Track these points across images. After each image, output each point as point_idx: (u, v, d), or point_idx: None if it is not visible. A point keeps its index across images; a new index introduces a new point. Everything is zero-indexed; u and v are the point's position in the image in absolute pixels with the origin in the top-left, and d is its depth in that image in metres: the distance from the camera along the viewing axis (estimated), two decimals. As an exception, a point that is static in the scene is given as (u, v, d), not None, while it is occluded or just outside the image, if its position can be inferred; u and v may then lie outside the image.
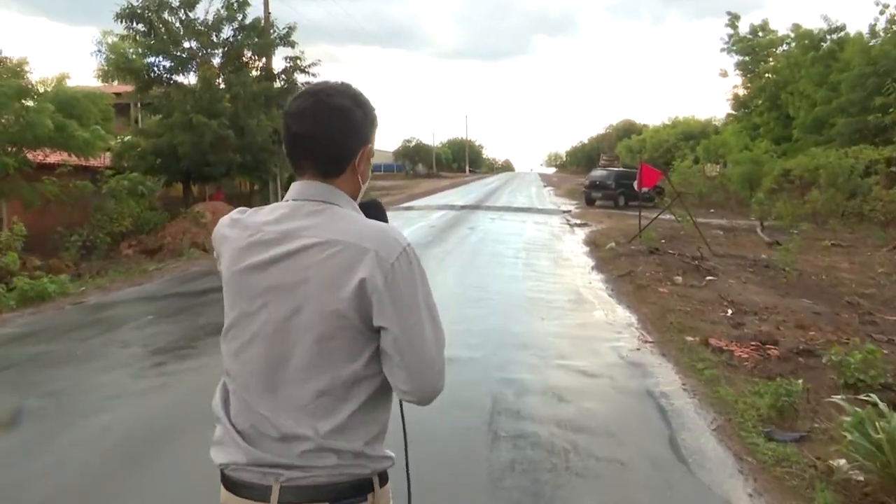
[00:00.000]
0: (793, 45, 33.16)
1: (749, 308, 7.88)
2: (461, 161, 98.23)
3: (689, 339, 6.25)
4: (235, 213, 1.45)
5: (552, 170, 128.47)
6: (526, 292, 8.78)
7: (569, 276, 10.20)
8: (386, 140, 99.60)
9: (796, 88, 29.65)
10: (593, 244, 13.73)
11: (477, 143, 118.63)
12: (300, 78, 22.93)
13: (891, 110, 22.07)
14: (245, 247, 1.35)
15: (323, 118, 1.35)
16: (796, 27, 31.47)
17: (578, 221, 19.64)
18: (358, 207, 1.42)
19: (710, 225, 17.08)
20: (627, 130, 67.78)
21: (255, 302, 1.33)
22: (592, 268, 10.97)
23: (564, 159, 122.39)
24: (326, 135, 1.35)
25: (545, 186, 48.78)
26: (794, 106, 29.49)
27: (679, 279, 9.03)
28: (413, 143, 79.46)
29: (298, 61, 22.56)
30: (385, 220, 1.44)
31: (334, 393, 1.30)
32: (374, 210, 1.47)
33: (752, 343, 6.16)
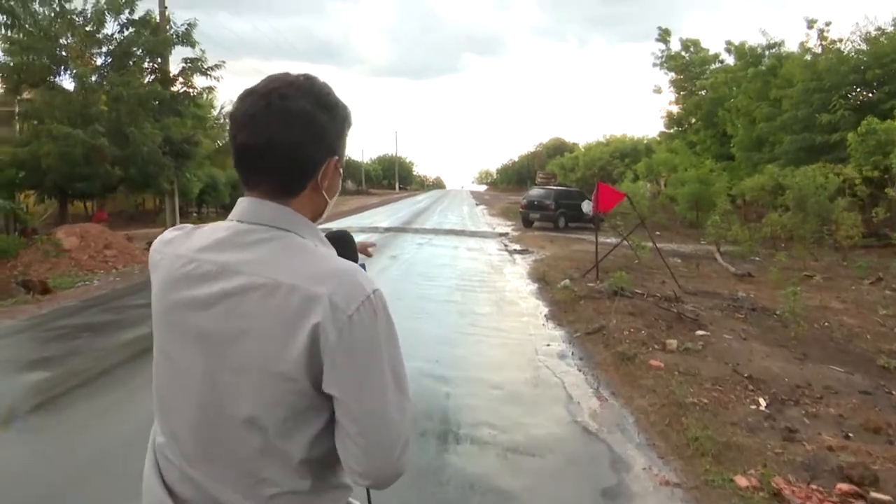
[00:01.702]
0: (725, 61, 32.13)
1: (778, 388, 5.41)
2: (391, 178, 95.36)
3: (741, 482, 3.62)
4: (172, 231, 1.20)
5: (483, 187, 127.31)
6: (458, 368, 6.02)
7: (518, 333, 7.49)
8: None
9: (733, 105, 28.33)
10: (542, 280, 11.10)
11: (408, 160, 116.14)
12: (200, 81, 19.83)
13: (838, 128, 20.69)
14: (177, 279, 1.11)
15: (275, 126, 1.07)
16: (730, 43, 30.28)
17: (518, 247, 17.07)
18: (322, 236, 1.18)
19: (662, 251, 14.82)
20: (558, 149, 66.68)
21: (187, 350, 1.09)
22: (547, 318, 8.31)
23: (495, 177, 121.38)
24: (281, 146, 1.08)
25: (478, 205, 46.38)
26: (731, 123, 28.14)
27: (673, 343, 6.45)
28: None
29: (200, 63, 19.41)
30: (353, 257, 1.28)
31: (278, 468, 1.06)
32: (339, 244, 1.25)
33: (843, 488, 3.60)
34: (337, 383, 1.02)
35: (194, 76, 19.61)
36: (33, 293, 9.47)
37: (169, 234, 1.21)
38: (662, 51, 34.16)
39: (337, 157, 1.15)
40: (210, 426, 1.08)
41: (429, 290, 9.88)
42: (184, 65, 19.33)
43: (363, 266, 1.23)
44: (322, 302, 1.00)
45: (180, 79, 19.56)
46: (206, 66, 19.48)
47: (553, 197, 23.40)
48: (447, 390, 5.29)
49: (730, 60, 31.53)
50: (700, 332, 7.40)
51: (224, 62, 19.92)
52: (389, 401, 1.05)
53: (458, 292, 9.89)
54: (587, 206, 14.80)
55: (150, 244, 1.27)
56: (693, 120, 33.61)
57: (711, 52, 33.71)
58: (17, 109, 18.44)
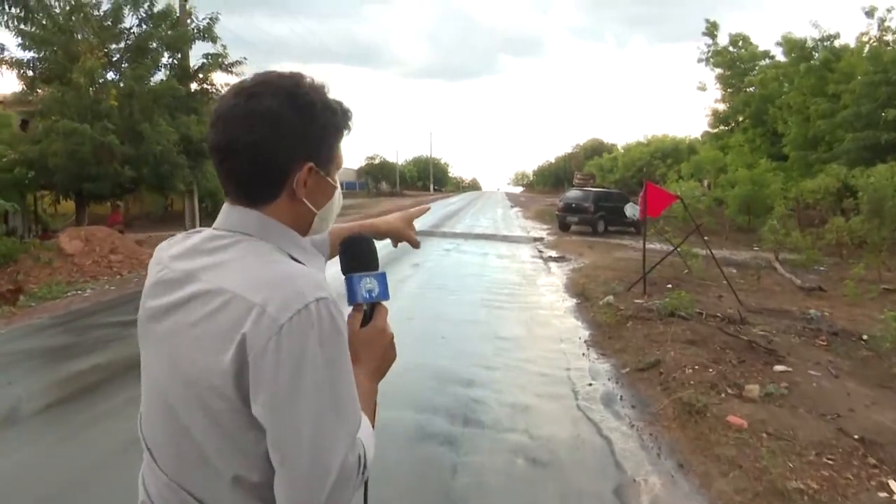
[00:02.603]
0: (776, 57, 30.12)
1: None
2: (426, 179, 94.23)
3: None
4: (177, 236, 1.16)
5: (519, 189, 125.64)
6: (472, 422, 4.63)
7: (552, 367, 6.06)
8: (349, 158, 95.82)
9: (785, 102, 26.36)
10: (581, 295, 9.64)
11: (443, 162, 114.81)
12: (220, 78, 18.86)
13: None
14: (151, 286, 1.09)
15: (238, 126, 1.00)
16: (785, 36, 28.25)
17: (554, 253, 15.56)
18: (298, 241, 1.07)
19: (711, 257, 13.17)
20: (596, 149, 64.77)
21: (150, 360, 1.07)
22: (588, 345, 6.87)
23: (532, 178, 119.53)
24: (242, 148, 1.00)
25: (512, 207, 44.78)
26: (782, 121, 26.17)
27: (753, 389, 4.96)
28: (377, 161, 75.63)
29: (220, 59, 18.44)
30: (366, 265, 1.15)
31: (228, 490, 0.98)
32: (353, 251, 1.17)
33: None
34: (259, 401, 0.91)
35: (214, 72, 18.68)
36: (3, 304, 8.41)
37: (168, 239, 1.15)
38: (709, 45, 32.32)
39: (312, 164, 1.04)
40: (169, 437, 1.02)
41: (448, 308, 8.49)
42: (203, 61, 18.40)
43: (383, 275, 1.13)
44: (254, 311, 0.91)
45: (199, 75, 18.66)
46: (226, 63, 18.54)
47: (592, 199, 21.76)
48: (453, 459, 3.90)
49: (781, 56, 29.61)
50: (780, 368, 5.91)
51: (245, 59, 18.92)
52: (318, 426, 0.91)
53: (483, 310, 8.48)
54: (631, 210, 13.32)
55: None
56: (741, 118, 31.66)
57: (761, 49, 31.81)
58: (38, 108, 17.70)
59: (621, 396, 5.17)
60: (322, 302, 0.93)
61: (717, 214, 23.34)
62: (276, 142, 1.00)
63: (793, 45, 27.34)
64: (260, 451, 0.95)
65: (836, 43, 26.12)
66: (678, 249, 11.41)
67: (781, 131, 26.35)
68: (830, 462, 3.87)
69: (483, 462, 3.88)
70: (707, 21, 32.15)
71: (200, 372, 0.95)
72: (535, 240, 19.47)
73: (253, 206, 1.04)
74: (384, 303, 1.15)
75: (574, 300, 9.39)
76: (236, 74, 18.60)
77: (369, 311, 1.14)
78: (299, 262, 1.04)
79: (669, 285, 10.92)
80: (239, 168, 1.02)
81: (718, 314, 8.23)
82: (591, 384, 5.48)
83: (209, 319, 0.95)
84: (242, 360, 0.91)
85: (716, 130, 34.02)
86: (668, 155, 37.46)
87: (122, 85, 15.96)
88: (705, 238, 19.58)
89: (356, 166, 72.93)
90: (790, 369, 5.92)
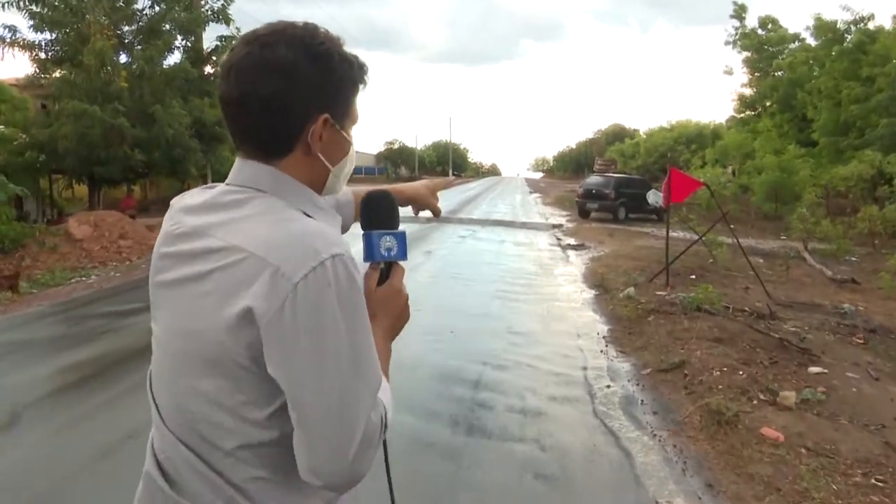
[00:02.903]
0: (806, 39, 29.10)
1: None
2: (445, 164, 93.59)
3: None
4: (185, 194, 1.11)
5: (539, 174, 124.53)
6: (475, 430, 4.22)
7: (567, 365, 5.61)
8: (368, 142, 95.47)
9: (815, 87, 25.44)
10: (600, 286, 9.16)
11: (462, 147, 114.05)
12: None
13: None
14: (163, 238, 1.05)
15: (252, 77, 0.95)
16: (817, 17, 27.25)
17: (573, 241, 15.06)
18: (317, 201, 1.03)
19: (735, 245, 12.60)
20: (618, 135, 63.76)
21: (159, 315, 1.04)
22: (607, 341, 6.42)
23: (552, 164, 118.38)
24: (255, 99, 0.95)
25: (531, 193, 44.16)
26: (812, 106, 25.28)
27: (789, 397, 4.49)
28: (396, 146, 75.24)
29: (234, 41, 18.00)
30: (386, 222, 1.12)
31: (234, 455, 0.95)
32: (373, 207, 1.14)
33: None
34: (275, 363, 0.88)
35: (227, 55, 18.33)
36: (1, 290, 8.15)
37: (182, 194, 1.11)
38: (737, 28, 31.36)
39: (328, 115, 1.00)
40: (175, 394, 1.00)
41: (460, 300, 8.07)
42: (217, 43, 18.05)
43: (403, 234, 1.11)
44: (267, 269, 0.87)
45: (213, 58, 18.34)
46: (239, 45, 18.14)
47: (613, 185, 21.15)
48: (454, 474, 3.51)
49: (811, 40, 28.60)
50: (815, 370, 5.44)
51: (259, 40, 18.47)
52: (339, 385, 0.88)
53: (497, 301, 8.06)
54: (654, 197, 12.80)
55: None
56: (768, 103, 30.72)
57: (790, 32, 30.77)
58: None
59: (642, 401, 4.73)
60: (338, 258, 0.89)
61: (742, 202, 22.62)
62: (292, 92, 0.96)
63: (824, 28, 26.38)
64: (267, 412, 0.93)
65: (870, 25, 25.16)
66: (703, 239, 10.86)
67: (811, 117, 25.47)
68: (880, 484, 3.42)
69: (487, 478, 3.47)
70: (735, 3, 31.15)
71: (208, 328, 0.92)
72: (554, 227, 18.96)
73: (266, 161, 1.00)
74: (402, 263, 1.12)
75: (593, 291, 8.93)
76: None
77: (386, 271, 1.11)
78: (314, 220, 0.98)
79: (693, 276, 10.42)
80: (252, 121, 0.98)
81: (746, 308, 7.74)
82: (609, 386, 5.05)
83: (219, 276, 0.92)
84: (253, 319, 0.87)
85: (742, 115, 33.11)
86: (693, 141, 36.62)
87: (133, 67, 15.63)
88: (731, 226, 19.02)
89: (375, 151, 72.62)
90: (826, 371, 5.45)
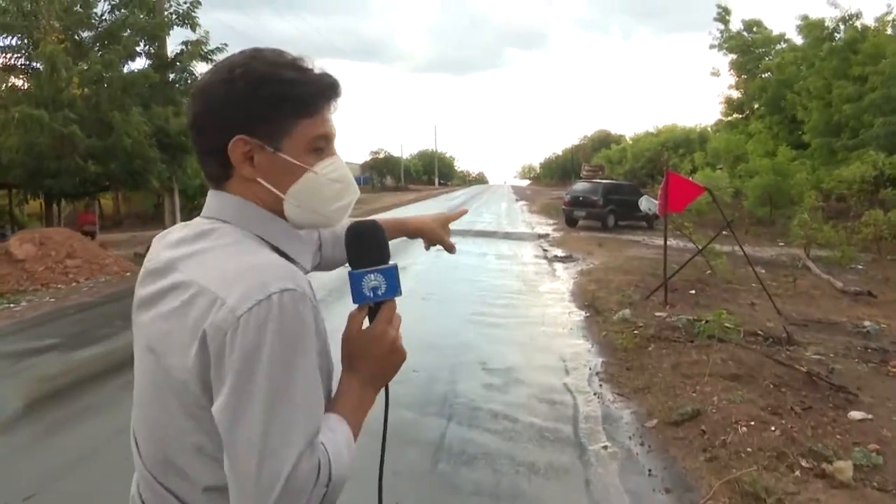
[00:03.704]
0: (792, 40, 28.38)
1: None
2: (431, 173, 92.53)
3: None
4: (170, 228, 1.10)
5: (526, 182, 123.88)
6: None
7: (553, 416, 4.51)
8: (354, 152, 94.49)
9: (804, 87, 24.61)
10: (591, 306, 8.06)
11: (448, 155, 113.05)
12: (200, 67, 17.36)
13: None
14: (141, 275, 1.04)
15: (191, 106, 1.00)
16: (804, 17, 26.48)
17: (560, 252, 13.98)
18: (283, 228, 1.00)
19: (734, 255, 11.58)
20: (603, 141, 63.07)
21: (137, 352, 1.02)
22: (601, 379, 5.31)
23: (538, 171, 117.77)
24: (190, 124, 1.00)
25: (518, 201, 43.09)
26: (802, 107, 24.44)
27: (845, 469, 3.39)
28: (381, 155, 74.18)
29: (200, 46, 16.93)
30: (372, 257, 1.01)
31: (207, 496, 0.92)
32: (355, 242, 1.03)
33: None
34: (215, 398, 0.85)
35: (193, 61, 17.18)
36: None
37: (169, 228, 1.09)
38: (721, 30, 30.62)
39: (244, 136, 0.94)
40: (149, 430, 0.98)
41: (431, 326, 6.94)
42: (182, 48, 16.88)
43: (394, 267, 1.01)
44: (216, 302, 0.86)
45: (177, 63, 17.19)
46: (207, 50, 17.03)
47: (601, 192, 20.10)
48: None
49: (798, 40, 27.87)
50: (857, 415, 4.39)
51: (226, 45, 17.40)
52: (268, 428, 0.82)
53: (473, 328, 6.94)
54: (646, 203, 11.74)
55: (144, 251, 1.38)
56: (756, 105, 29.92)
57: (776, 33, 30.08)
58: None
59: (650, 470, 3.63)
60: (288, 293, 0.85)
61: (733, 206, 21.69)
62: (208, 115, 0.95)
63: (812, 27, 25.61)
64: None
65: (857, 24, 24.42)
66: (702, 250, 9.83)
67: (801, 118, 24.64)
68: None
69: None
70: (719, 6, 30.43)
71: (172, 367, 0.89)
72: (540, 237, 17.86)
73: (217, 188, 0.99)
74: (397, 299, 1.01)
75: (582, 313, 7.83)
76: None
77: (375, 311, 1.01)
78: (283, 253, 0.97)
79: (693, 291, 9.38)
80: (195, 145, 1.00)
81: (759, 331, 6.70)
82: (606, 447, 3.95)
83: (179, 313, 0.89)
84: (206, 356, 0.85)
85: (730, 118, 32.33)
86: (680, 145, 35.76)
87: (89, 72, 14.45)
88: (729, 234, 18.05)
89: (360, 161, 71.59)
90: (871, 417, 4.39)
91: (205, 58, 16.98)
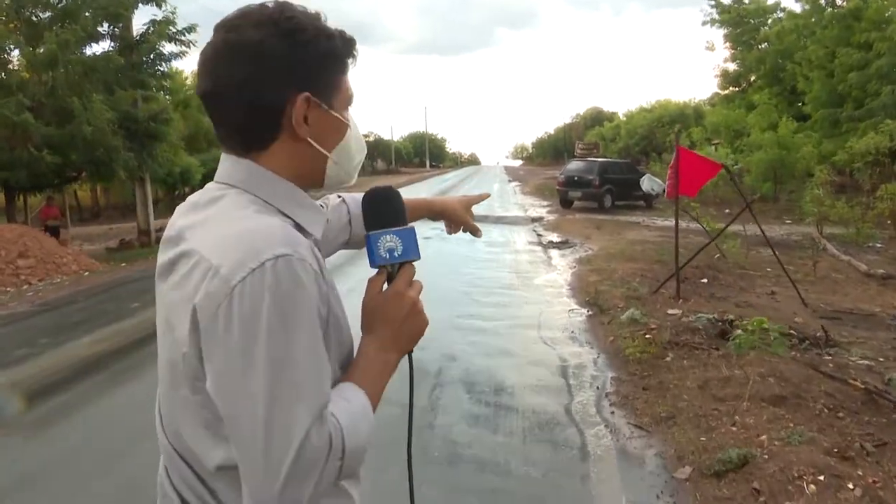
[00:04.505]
0: (787, 8, 27.28)
1: None
2: (423, 156, 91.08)
3: None
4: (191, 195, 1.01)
5: (518, 162, 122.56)
6: None
7: (565, 470, 3.54)
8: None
9: (805, 57, 23.51)
10: (594, 303, 7.03)
11: (439, 137, 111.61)
12: (168, 48, 16.18)
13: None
14: (160, 247, 0.96)
15: (221, 65, 0.89)
16: None
17: (555, 237, 12.94)
18: (291, 193, 0.93)
19: (746, 236, 10.57)
20: (596, 118, 61.87)
21: (159, 327, 0.94)
22: (613, 402, 4.28)
23: (531, 151, 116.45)
24: (227, 90, 0.88)
25: (510, 182, 41.95)
26: (803, 77, 23.37)
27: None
28: (372, 138, 72.87)
29: (169, 27, 15.72)
30: (388, 220, 0.96)
31: (220, 475, 0.87)
32: (371, 205, 1.00)
33: None
34: (208, 372, 0.80)
35: (161, 41, 15.96)
36: None
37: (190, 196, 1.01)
38: (712, 5, 29.43)
39: (308, 94, 0.89)
40: (168, 401, 0.93)
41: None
42: (147, 27, 15.64)
43: (412, 229, 0.97)
44: (210, 271, 0.80)
45: (143, 44, 15.97)
46: (174, 30, 15.82)
47: (597, 171, 18.99)
48: None
49: (795, 8, 26.75)
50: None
51: (197, 25, 16.20)
52: (270, 402, 0.77)
53: (458, 335, 5.87)
54: (649, 183, 10.76)
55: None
56: (753, 77, 28.81)
57: (771, 1, 28.92)
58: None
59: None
60: (283, 259, 0.79)
61: (732, 183, 20.66)
62: (263, 75, 0.87)
63: (813, -7, 24.46)
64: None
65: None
66: (718, 235, 8.82)
67: (802, 89, 23.58)
68: None
69: None
70: None
71: (178, 340, 0.84)
72: (534, 220, 16.80)
73: (246, 154, 0.92)
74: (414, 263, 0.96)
75: (584, 311, 6.81)
76: (186, 44, 16.02)
77: (394, 274, 0.96)
78: (292, 220, 0.90)
79: (704, 279, 8.38)
80: (228, 112, 0.90)
81: (791, 329, 5.70)
82: (629, 513, 2.96)
83: (181, 283, 0.85)
84: (195, 325, 0.80)
85: (726, 92, 31.22)
86: (675, 120, 34.63)
87: (40, 52, 13.24)
88: (726, 210, 17.02)
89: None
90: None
91: (172, 38, 15.83)
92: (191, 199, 0.96)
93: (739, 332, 4.16)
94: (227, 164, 0.93)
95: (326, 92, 0.92)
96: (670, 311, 6.28)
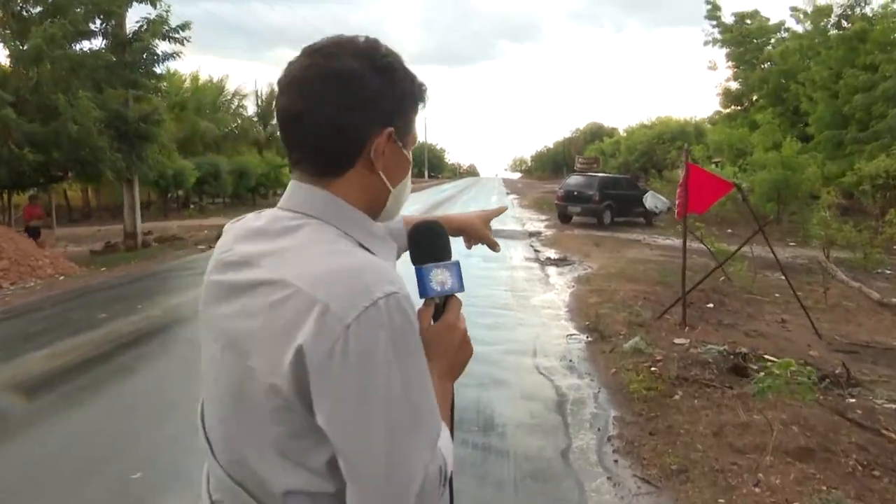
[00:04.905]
0: (791, 28, 27.02)
1: None
2: (421, 166, 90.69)
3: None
4: (239, 219, 1.03)
5: (517, 175, 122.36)
6: None
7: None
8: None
9: (808, 77, 23.20)
10: (594, 329, 6.52)
11: (439, 147, 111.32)
12: (163, 47, 15.77)
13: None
14: (213, 267, 0.97)
15: (315, 89, 0.89)
16: (795, 10, 25.11)
17: (553, 254, 12.44)
18: (366, 225, 0.94)
19: (752, 258, 10.05)
20: (596, 133, 61.61)
21: (211, 345, 0.94)
22: (617, 448, 3.75)
23: (530, 164, 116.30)
24: (319, 112, 0.89)
25: (508, 194, 41.49)
26: (806, 98, 23.04)
27: None
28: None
29: (161, 24, 15.31)
30: (438, 254, 1.00)
31: (287, 501, 0.85)
32: (422, 239, 1.03)
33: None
34: (323, 412, 0.78)
35: (155, 40, 15.54)
36: None
37: (236, 219, 1.03)
38: (714, 25, 29.18)
39: (392, 130, 0.92)
40: (225, 428, 0.92)
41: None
42: (140, 24, 15.20)
43: (457, 264, 1.00)
44: (316, 306, 0.78)
45: (135, 43, 15.54)
46: (168, 28, 15.41)
47: (597, 186, 18.51)
48: None
49: (797, 28, 26.49)
50: None
51: (190, 23, 15.81)
52: (395, 439, 0.78)
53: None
54: (653, 201, 10.30)
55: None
56: (755, 97, 28.49)
57: (772, 22, 28.68)
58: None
59: None
60: (392, 297, 0.79)
61: (735, 202, 20.24)
62: (357, 104, 0.89)
63: (819, 13, 24.19)
64: (321, 460, 0.82)
65: (868, 9, 23.02)
66: (729, 258, 8.35)
67: (805, 109, 23.23)
68: None
69: None
70: (707, 2, 28.96)
71: (260, 367, 0.82)
72: (531, 235, 16.31)
73: (321, 180, 0.92)
74: (459, 295, 0.99)
75: (584, 337, 6.31)
76: (180, 41, 15.62)
77: (441, 305, 0.98)
78: (368, 251, 0.91)
79: (710, 304, 7.91)
80: (315, 135, 0.90)
81: (807, 363, 5.22)
82: None
83: (269, 313, 0.82)
84: (302, 362, 0.77)
85: (728, 110, 30.91)
86: (676, 137, 34.28)
87: (24, 48, 12.79)
88: (728, 230, 16.58)
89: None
90: None
91: (166, 36, 15.42)
92: (252, 224, 0.96)
93: (762, 374, 3.67)
94: (301, 192, 0.92)
95: (403, 130, 0.95)
96: (677, 341, 5.80)
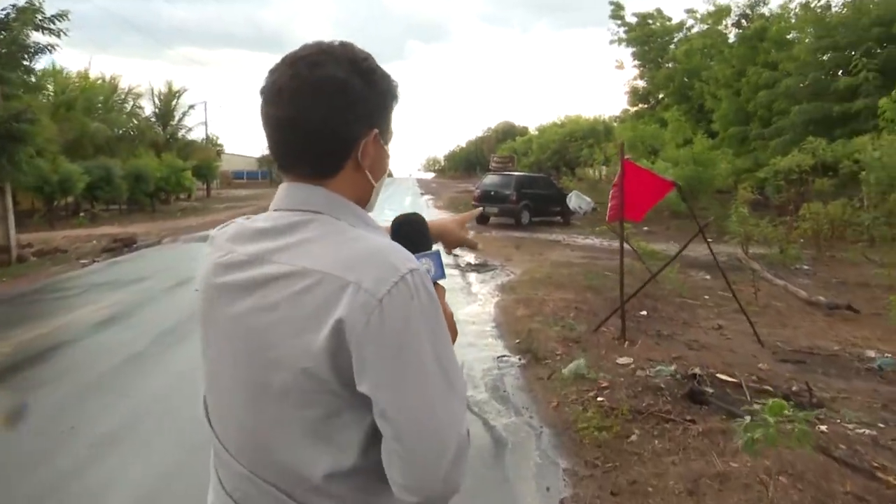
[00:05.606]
0: (693, 29, 27.67)
1: None
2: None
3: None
4: (234, 221, 1.06)
5: (431, 175, 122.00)
6: None
7: None
8: (250, 147, 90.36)
9: (711, 75, 23.73)
10: (526, 349, 5.75)
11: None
12: (35, 37, 14.01)
13: (860, 94, 16.11)
14: (212, 270, 0.98)
15: (304, 97, 0.92)
16: (691, 11, 25.84)
17: (474, 258, 11.71)
18: (365, 217, 0.98)
19: (664, 255, 9.64)
20: (508, 132, 61.92)
21: (221, 345, 0.96)
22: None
23: (443, 164, 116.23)
24: (310, 120, 0.93)
25: (423, 195, 40.72)
26: (710, 96, 23.55)
27: None
28: (280, 148, 70.24)
29: (36, 15, 13.58)
30: (420, 244, 1.04)
31: (322, 486, 0.88)
32: (407, 230, 1.07)
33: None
34: (368, 379, 0.83)
35: (26, 30, 13.76)
36: None
37: (220, 226, 1.06)
38: (619, 25, 29.54)
39: (377, 131, 0.97)
40: (248, 426, 0.93)
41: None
42: (7, 12, 13.38)
43: (437, 253, 1.06)
44: (349, 289, 0.83)
45: (4, 34, 13.70)
46: (42, 17, 13.67)
47: (514, 185, 17.94)
48: None
49: (697, 28, 27.13)
50: None
51: (68, 11, 14.11)
52: (433, 398, 0.83)
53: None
54: (577, 201, 9.76)
55: None
56: (662, 95, 28.99)
57: (675, 21, 29.30)
58: None
59: None
60: (416, 273, 0.86)
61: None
62: (346, 110, 0.93)
63: (719, 14, 24.79)
64: (355, 437, 0.86)
65: (766, 9, 23.77)
66: (669, 262, 7.82)
67: (709, 107, 23.71)
68: None
69: None
70: (612, 3, 29.30)
71: (287, 356, 0.85)
72: (449, 237, 15.58)
73: (316, 181, 0.95)
74: (441, 282, 1.03)
75: (515, 359, 5.53)
76: (56, 33, 13.93)
77: None
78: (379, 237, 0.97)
79: (644, 312, 7.36)
80: (306, 141, 0.93)
81: (765, 384, 4.66)
82: None
83: (294, 301, 0.85)
84: (340, 339, 0.82)
85: (636, 108, 31.37)
86: (587, 135, 34.55)
87: None
88: (644, 228, 16.41)
89: (257, 155, 67.62)
90: None
91: (39, 26, 13.68)
92: (249, 226, 0.97)
93: (748, 418, 2.99)
94: (302, 192, 0.94)
95: (384, 129, 0.99)
96: (620, 361, 5.11)
